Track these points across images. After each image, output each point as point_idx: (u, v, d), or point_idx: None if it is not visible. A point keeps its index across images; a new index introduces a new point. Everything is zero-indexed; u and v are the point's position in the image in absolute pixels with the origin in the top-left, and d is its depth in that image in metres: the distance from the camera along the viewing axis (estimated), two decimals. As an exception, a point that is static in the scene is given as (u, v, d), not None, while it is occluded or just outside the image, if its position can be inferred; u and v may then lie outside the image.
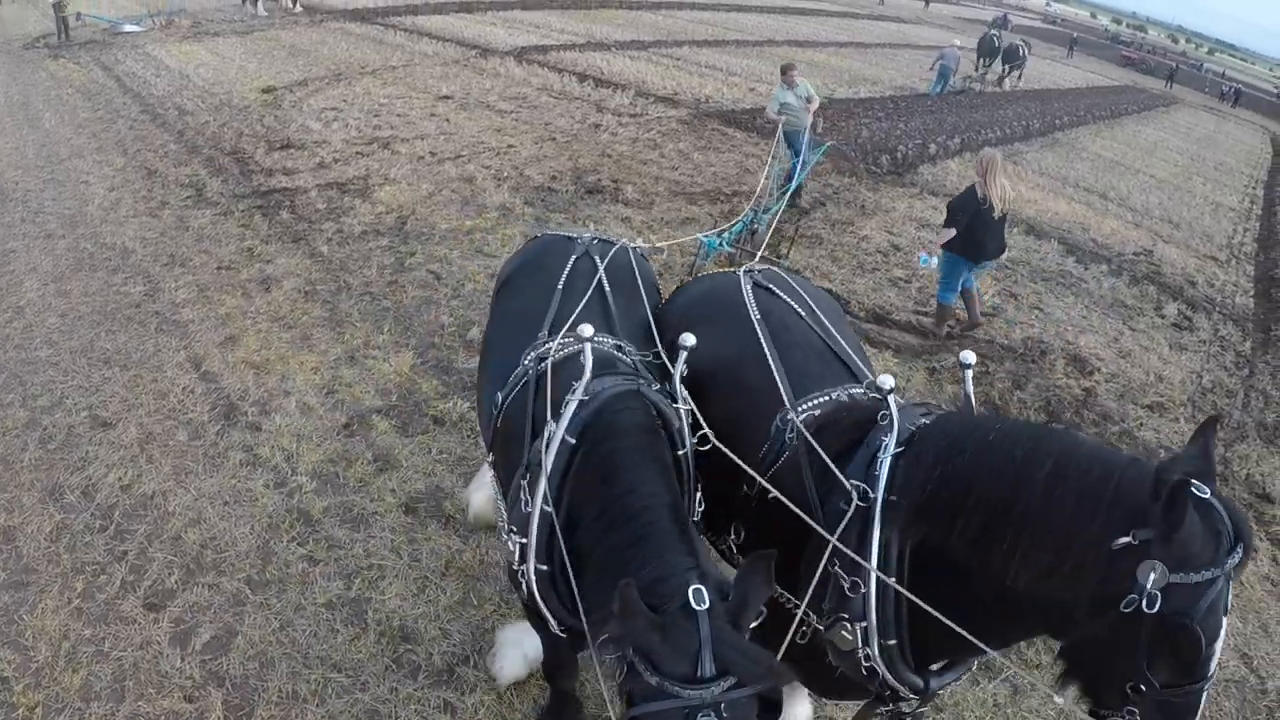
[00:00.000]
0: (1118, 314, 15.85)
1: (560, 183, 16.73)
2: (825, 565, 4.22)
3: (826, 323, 5.79)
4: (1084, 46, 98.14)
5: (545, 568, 4.48)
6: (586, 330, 4.83)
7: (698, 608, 3.44)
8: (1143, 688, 3.53)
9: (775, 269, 6.44)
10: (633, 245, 6.62)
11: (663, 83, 27.82)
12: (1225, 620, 3.47)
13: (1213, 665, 3.48)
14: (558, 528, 4.37)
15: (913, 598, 4.00)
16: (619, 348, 5.22)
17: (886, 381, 4.55)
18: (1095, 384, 12.57)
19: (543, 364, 5.01)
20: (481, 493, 7.59)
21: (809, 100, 16.87)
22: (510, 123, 20.72)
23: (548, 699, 6.10)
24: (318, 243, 13.23)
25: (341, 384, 9.70)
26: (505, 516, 4.85)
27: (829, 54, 43.86)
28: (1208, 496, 3.50)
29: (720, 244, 12.97)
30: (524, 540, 4.49)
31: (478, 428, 8.91)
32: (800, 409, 4.83)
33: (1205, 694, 3.54)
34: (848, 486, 4.22)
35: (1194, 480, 3.48)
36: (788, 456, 4.68)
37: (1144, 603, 3.39)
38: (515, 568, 4.63)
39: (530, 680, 6.40)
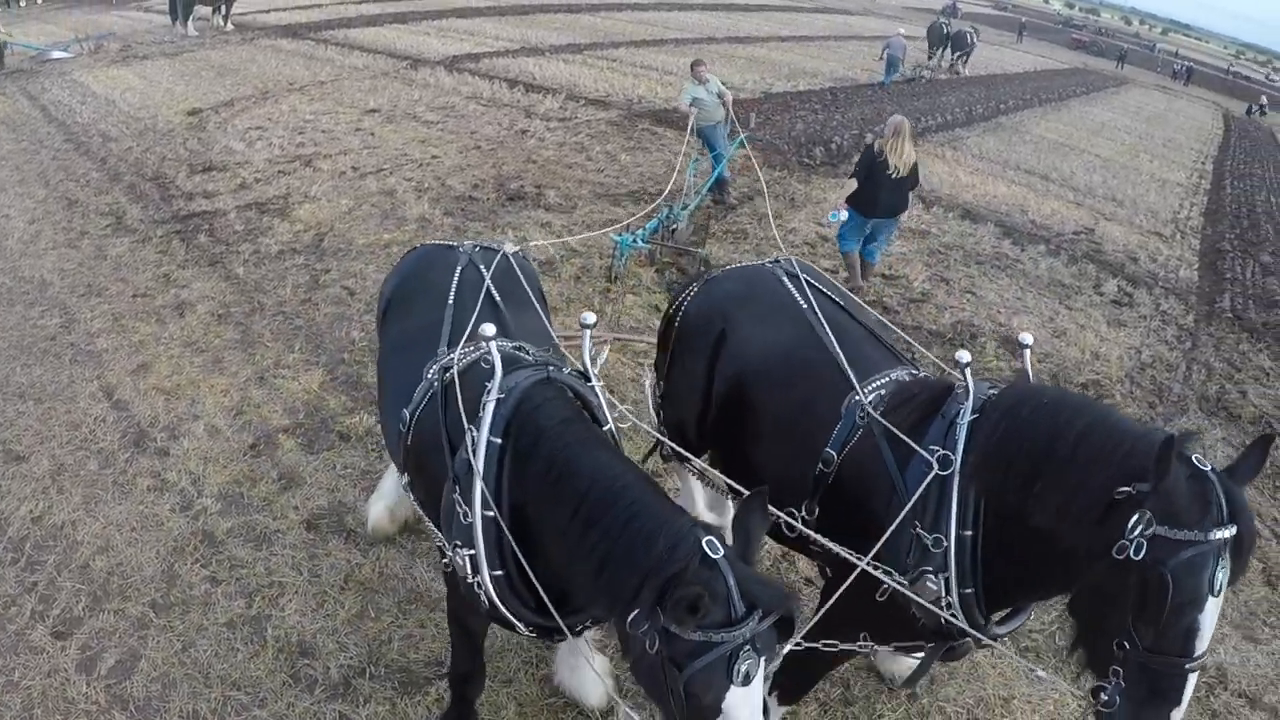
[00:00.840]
0: (1054, 293, 16.09)
1: (482, 191, 16.83)
2: (908, 526, 4.84)
3: (857, 310, 6.51)
4: (1035, 32, 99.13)
5: (500, 572, 4.65)
6: (489, 329, 5.02)
7: (715, 556, 3.72)
8: (1126, 645, 4.02)
9: (799, 260, 6.80)
10: (513, 250, 6.74)
11: (595, 85, 27.96)
12: (1213, 601, 3.89)
13: (1197, 644, 3.92)
14: (505, 530, 4.56)
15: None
16: (519, 348, 5.32)
17: (964, 356, 5.26)
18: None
19: (448, 374, 5.22)
20: (380, 504, 7.71)
21: (721, 95, 17.19)
22: (436, 133, 20.81)
23: (446, 709, 6.22)
24: (234, 265, 13.31)
25: (250, 405, 9.81)
26: (440, 535, 4.98)
27: (769, 49, 44.10)
28: (1206, 469, 4.01)
29: (634, 241, 13.14)
30: (472, 551, 4.62)
31: (383, 442, 9.09)
32: (868, 391, 5.42)
33: (1189, 683, 3.99)
34: (925, 454, 4.84)
35: (1196, 455, 4.04)
36: (862, 433, 5.27)
37: (1131, 549, 3.90)
38: (469, 581, 4.73)
39: (427, 691, 6.58)
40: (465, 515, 4.62)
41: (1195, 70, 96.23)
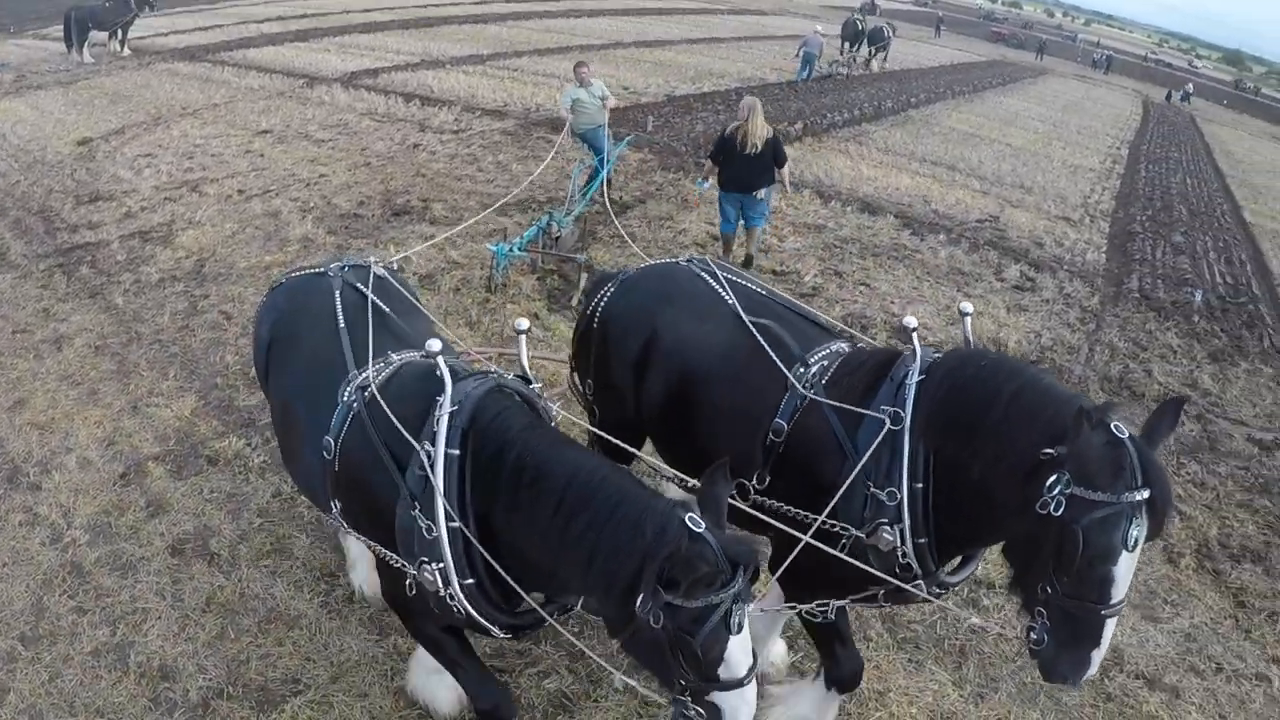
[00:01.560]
0: (953, 282, 16.42)
1: (368, 208, 16.94)
2: (861, 485, 5.41)
3: (777, 294, 7.02)
4: (955, 26, 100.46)
5: (471, 581, 4.93)
6: (435, 344, 5.30)
7: (699, 530, 4.15)
8: (1049, 589, 4.62)
9: (708, 258, 7.32)
10: (377, 264, 6.93)
11: (493, 95, 28.08)
12: (1126, 555, 4.46)
13: (1112, 592, 4.49)
14: (473, 540, 4.87)
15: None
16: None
17: (910, 321, 5.98)
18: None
19: (367, 392, 5.46)
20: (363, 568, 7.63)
21: (604, 99, 17.38)
22: (326, 152, 20.87)
23: None
24: (114, 295, 13.32)
25: (122, 435, 9.88)
26: (393, 555, 5.20)
27: (677, 52, 44.46)
28: (1123, 436, 4.52)
29: (511, 249, 13.31)
30: (441, 564, 4.89)
31: (253, 464, 9.23)
32: (811, 362, 6.03)
33: (1108, 627, 4.59)
34: (876, 415, 5.42)
35: (1116, 423, 4.53)
36: (809, 403, 5.79)
37: (1051, 506, 4.47)
38: (441, 594, 4.96)
39: (282, 709, 6.70)
40: (429, 530, 4.87)
41: (1116, 59, 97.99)
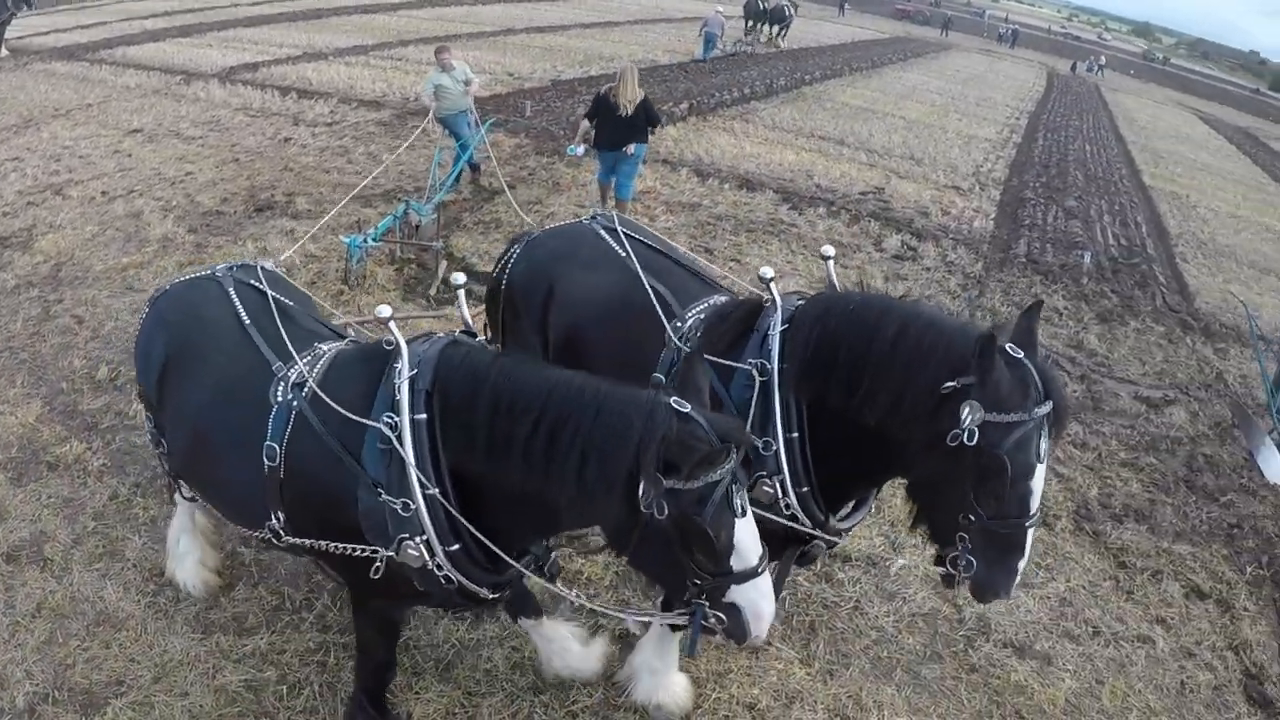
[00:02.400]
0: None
1: (231, 205, 16.65)
2: None
3: (676, 251, 7.31)
4: (862, 4, 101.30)
5: (456, 546, 4.90)
6: (385, 310, 5.34)
7: (686, 410, 4.34)
8: (971, 517, 4.82)
9: (618, 215, 7.63)
10: (261, 263, 6.67)
11: (373, 86, 27.78)
12: (1040, 468, 4.77)
13: (1032, 504, 4.77)
14: (450, 504, 4.82)
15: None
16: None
17: (767, 272, 5.99)
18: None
19: (306, 388, 5.29)
20: (190, 560, 7.48)
21: (467, 83, 17.33)
22: (195, 149, 20.47)
23: (362, 705, 6.32)
24: (-34, 306, 12.91)
25: (-38, 446, 9.61)
26: (360, 549, 5.07)
27: (569, 36, 44.33)
28: (1020, 357, 4.83)
29: (365, 241, 13.09)
30: (424, 536, 4.84)
31: (92, 467, 8.97)
32: (688, 316, 6.20)
33: (1029, 535, 4.90)
34: (745, 368, 5.57)
35: (1010, 344, 4.85)
36: (686, 356, 5.65)
37: (965, 436, 4.63)
38: (428, 569, 4.91)
39: (104, 711, 6.54)
40: (405, 507, 4.80)
41: (1022, 33, 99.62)
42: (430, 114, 16.94)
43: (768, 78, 36.94)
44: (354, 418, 4.95)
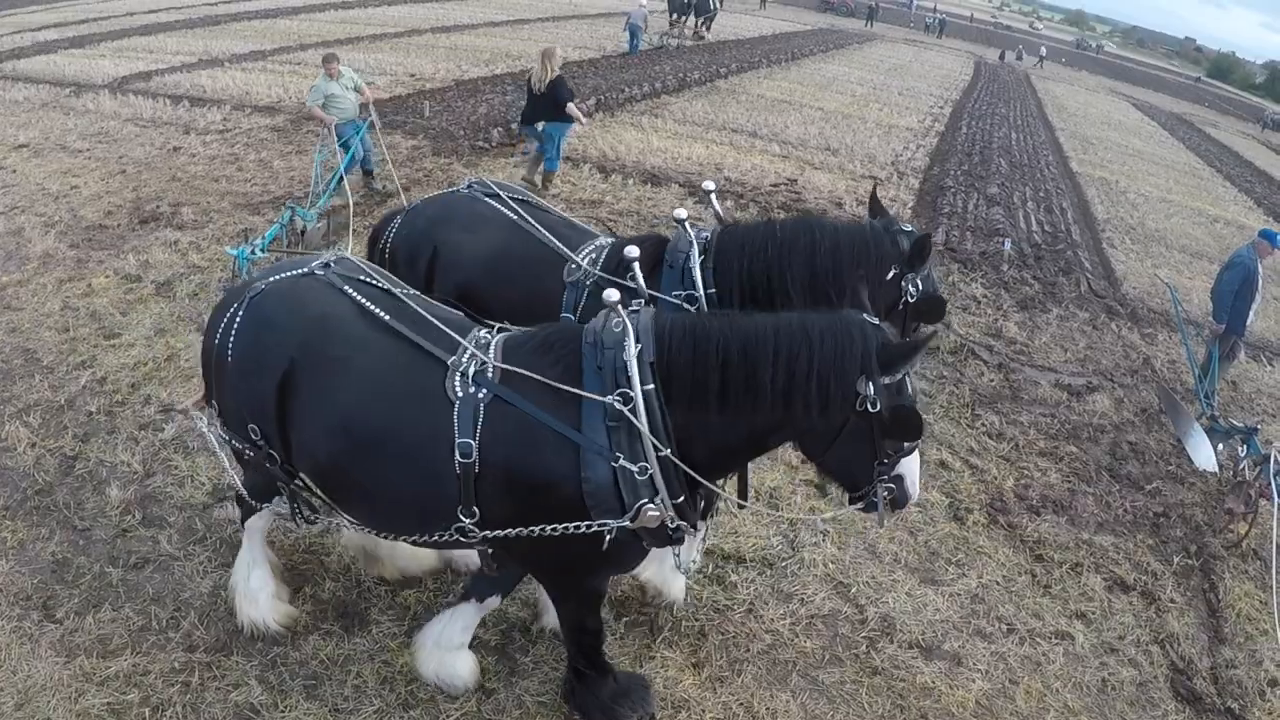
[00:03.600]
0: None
1: (115, 218, 16.32)
2: None
3: (553, 210, 8.12)
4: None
5: (683, 498, 5.43)
6: (613, 294, 5.48)
7: (876, 322, 5.52)
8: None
9: (489, 180, 8.25)
10: (340, 255, 6.57)
11: (269, 91, 27.45)
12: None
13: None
14: (677, 459, 5.32)
15: None
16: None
17: (681, 213, 7.26)
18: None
19: (492, 374, 5.53)
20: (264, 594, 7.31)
21: (357, 89, 17.23)
22: (81, 162, 20.08)
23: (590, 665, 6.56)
24: None
25: None
26: (577, 523, 5.38)
27: (476, 35, 44.20)
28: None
29: (252, 252, 12.79)
30: (660, 495, 5.29)
31: None
32: (581, 256, 7.18)
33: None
34: (669, 299, 6.63)
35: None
36: (589, 292, 6.91)
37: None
38: (669, 526, 5.41)
39: None
40: (642, 471, 5.25)
41: (950, 23, 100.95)
42: (331, 127, 16.61)
43: (680, 72, 37.07)
44: (590, 396, 5.31)
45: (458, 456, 5.35)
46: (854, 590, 8.38)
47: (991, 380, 12.83)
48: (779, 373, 5.20)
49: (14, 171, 19.59)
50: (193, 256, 13.93)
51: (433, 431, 5.42)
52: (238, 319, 6.04)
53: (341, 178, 15.91)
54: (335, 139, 16.41)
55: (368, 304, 5.89)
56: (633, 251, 6.48)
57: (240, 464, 6.75)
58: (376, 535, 6.13)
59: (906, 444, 5.51)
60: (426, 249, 7.58)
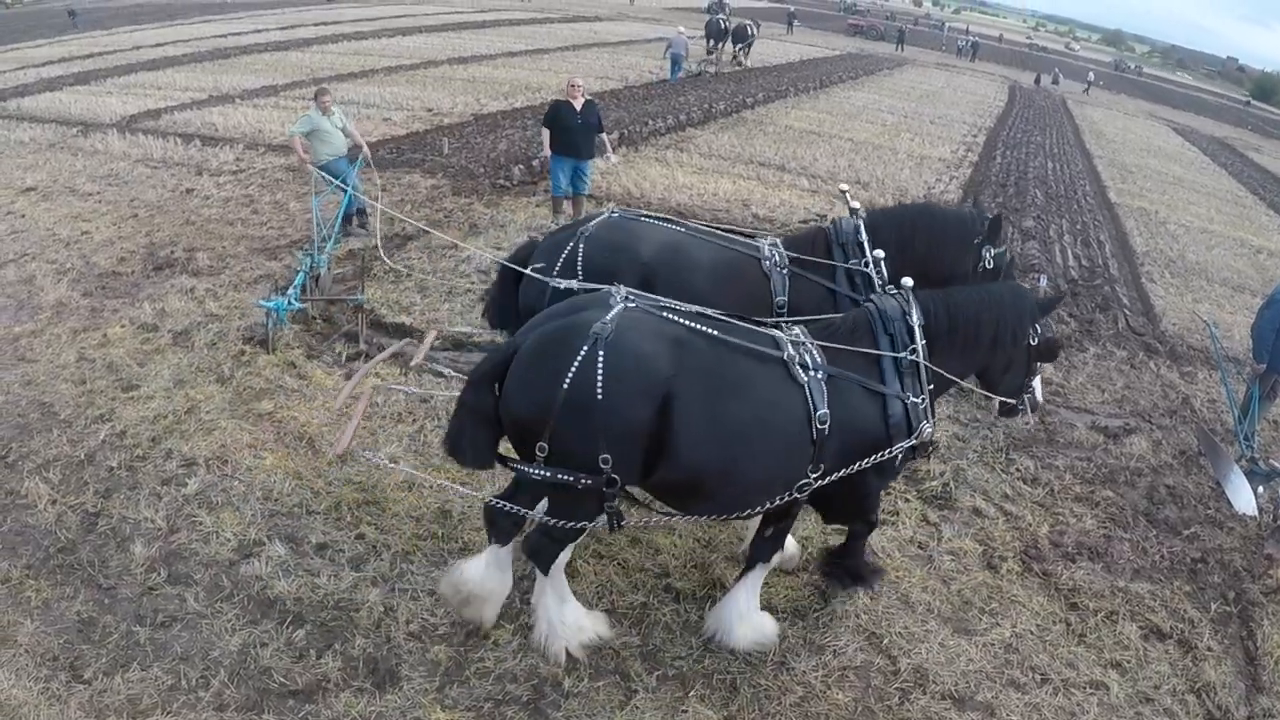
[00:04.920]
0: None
1: (128, 264, 16.51)
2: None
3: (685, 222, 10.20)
4: (814, 21, 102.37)
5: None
6: (908, 281, 8.09)
7: (1023, 286, 9.85)
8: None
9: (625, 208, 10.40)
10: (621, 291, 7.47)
11: (282, 128, 27.36)
12: None
13: None
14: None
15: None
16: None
17: (844, 186, 11.43)
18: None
19: (819, 351, 7.57)
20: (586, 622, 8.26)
21: (344, 129, 17.37)
22: (92, 206, 20.29)
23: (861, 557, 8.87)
24: None
25: None
26: (883, 453, 7.61)
27: (494, 66, 44.55)
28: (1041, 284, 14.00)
29: (290, 304, 13.17)
30: (932, 416, 7.98)
31: None
32: (765, 245, 9.78)
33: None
34: (862, 269, 9.54)
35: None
36: (789, 273, 9.57)
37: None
38: (929, 439, 7.91)
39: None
40: (922, 402, 7.71)
41: (983, 45, 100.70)
42: (311, 163, 16.72)
43: (706, 102, 37.33)
44: (890, 354, 7.65)
45: (815, 424, 7.19)
46: (886, 641, 8.53)
47: (1026, 423, 12.91)
48: (992, 328, 7.97)
49: (23, 216, 19.75)
50: (210, 305, 14.10)
51: (794, 412, 7.18)
52: (599, 360, 6.73)
53: (350, 217, 16.14)
54: (315, 173, 16.54)
55: (694, 325, 7.21)
56: (907, 281, 8.09)
57: (561, 499, 7.25)
58: (712, 520, 7.68)
59: (1047, 364, 9.26)
60: (626, 255, 9.23)
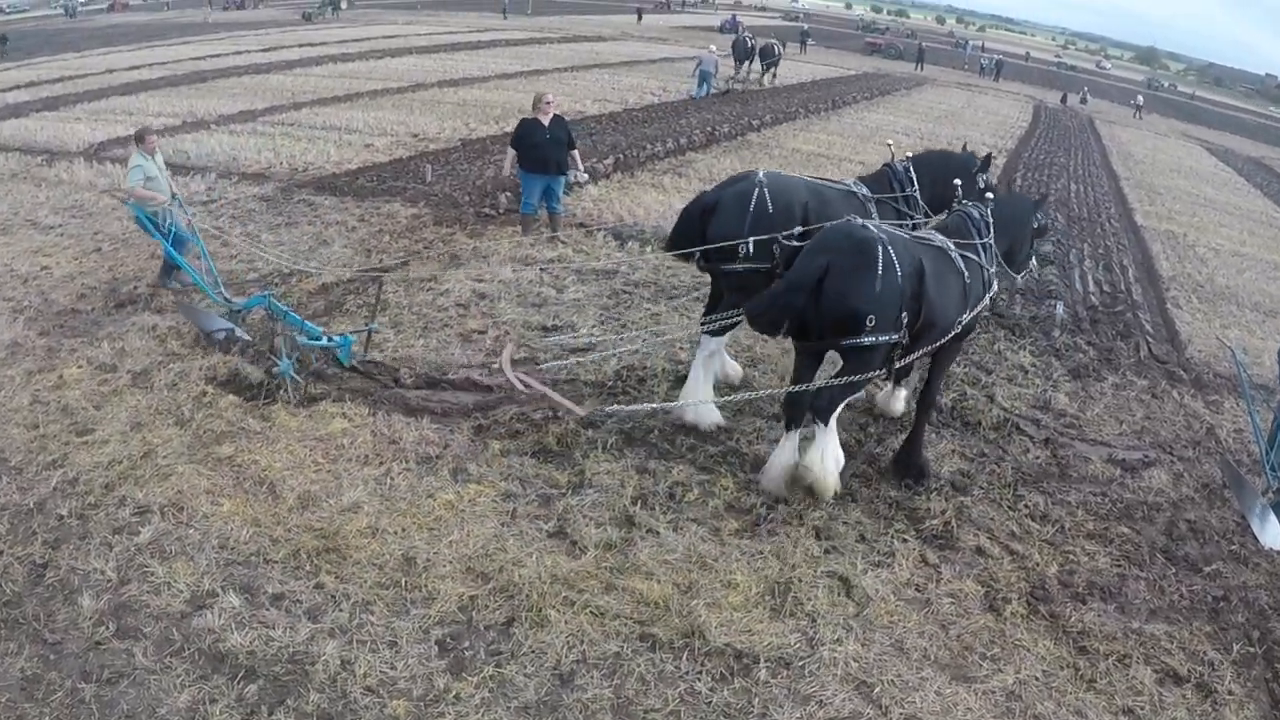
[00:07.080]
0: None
1: (89, 300, 16.47)
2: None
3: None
4: (831, 39, 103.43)
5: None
6: (991, 195, 12.95)
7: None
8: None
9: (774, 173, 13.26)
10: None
11: (258, 156, 27.61)
12: None
13: None
14: None
15: None
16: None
17: (890, 141, 17.64)
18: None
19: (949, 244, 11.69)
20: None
21: (164, 173, 17.02)
22: (53, 240, 20.27)
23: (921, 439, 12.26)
24: None
25: None
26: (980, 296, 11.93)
27: (488, 89, 44.83)
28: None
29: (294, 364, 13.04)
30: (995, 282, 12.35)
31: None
32: (859, 188, 13.70)
33: None
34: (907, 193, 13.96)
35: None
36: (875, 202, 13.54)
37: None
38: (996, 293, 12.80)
39: None
40: (997, 269, 12.19)
41: (1007, 64, 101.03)
42: (163, 200, 16.61)
43: (709, 125, 37.46)
44: (983, 240, 11.78)
45: (984, 286, 11.76)
46: (878, 690, 8.34)
47: (1037, 457, 12.89)
48: (1019, 223, 12.59)
49: (-21, 251, 19.75)
50: (172, 344, 14.06)
51: (962, 279, 11.27)
52: (895, 259, 10.35)
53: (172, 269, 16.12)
54: (154, 224, 16.44)
55: (905, 235, 11.12)
56: (990, 195, 12.94)
57: (862, 359, 10.54)
58: (918, 355, 11.47)
59: (1044, 238, 15.75)
60: (798, 203, 12.43)
